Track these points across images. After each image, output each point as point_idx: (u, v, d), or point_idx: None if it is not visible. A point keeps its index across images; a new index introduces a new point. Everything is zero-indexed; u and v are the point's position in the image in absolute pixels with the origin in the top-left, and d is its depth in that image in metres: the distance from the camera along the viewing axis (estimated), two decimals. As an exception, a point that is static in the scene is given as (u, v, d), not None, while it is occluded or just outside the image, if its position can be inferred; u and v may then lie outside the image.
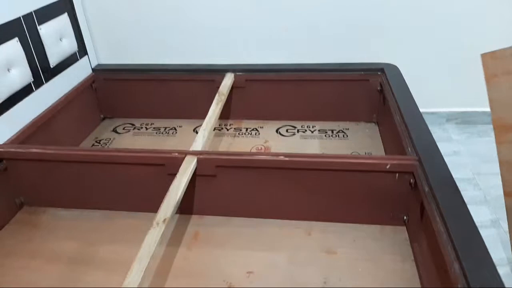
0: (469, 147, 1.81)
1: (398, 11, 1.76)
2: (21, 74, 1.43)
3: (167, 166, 1.25)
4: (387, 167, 1.17)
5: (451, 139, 1.87)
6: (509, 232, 1.24)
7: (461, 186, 1.59)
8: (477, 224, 1.39)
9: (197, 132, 1.42)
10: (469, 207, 1.49)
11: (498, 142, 1.26)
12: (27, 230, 1.33)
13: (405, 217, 1.25)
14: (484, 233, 1.37)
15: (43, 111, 1.56)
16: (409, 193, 1.20)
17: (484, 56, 1.22)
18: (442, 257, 0.89)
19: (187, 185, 1.16)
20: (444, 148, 1.74)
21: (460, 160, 1.73)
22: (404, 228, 1.27)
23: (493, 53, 1.22)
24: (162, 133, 1.84)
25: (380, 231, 1.27)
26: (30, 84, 1.49)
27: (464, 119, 1.99)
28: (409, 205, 1.22)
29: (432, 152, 1.18)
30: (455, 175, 1.64)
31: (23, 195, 1.41)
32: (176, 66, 1.87)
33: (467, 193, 1.56)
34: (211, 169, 1.26)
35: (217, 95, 1.64)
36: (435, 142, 1.22)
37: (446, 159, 1.60)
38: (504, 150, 1.27)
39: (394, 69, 1.70)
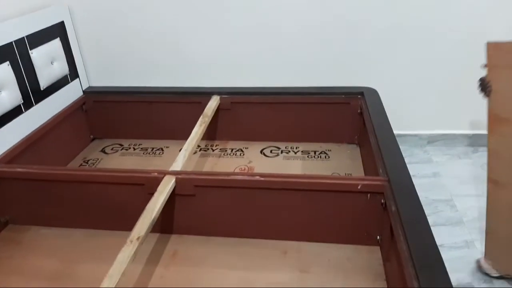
0: (448, 168, 1.85)
1: (381, 36, 1.83)
2: (10, 96, 1.49)
3: (147, 185, 1.29)
4: (359, 187, 1.21)
5: (431, 161, 1.91)
6: (486, 220, 1.24)
7: (438, 207, 1.64)
8: (451, 244, 1.43)
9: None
10: (445, 227, 1.53)
11: (490, 132, 1.30)
12: (9, 247, 1.36)
13: (378, 237, 1.28)
14: (458, 253, 1.41)
15: (32, 132, 1.60)
16: (381, 213, 1.23)
17: (489, 45, 1.26)
18: (404, 275, 0.92)
19: (163, 204, 1.20)
20: (424, 169, 1.79)
21: (439, 182, 1.76)
22: (378, 248, 1.29)
23: (498, 44, 1.26)
24: (149, 153, 1.88)
25: (354, 251, 1.29)
26: (20, 105, 1.55)
27: (445, 142, 2.03)
28: (381, 225, 1.24)
29: (401, 173, 1.21)
30: (434, 196, 1.69)
31: (9, 214, 1.45)
32: (164, 88, 1.93)
33: (444, 214, 1.58)
34: (190, 188, 1.29)
35: (201, 117, 1.69)
36: (405, 164, 1.25)
37: (425, 180, 1.65)
38: (494, 140, 1.30)
39: (373, 93, 1.75)
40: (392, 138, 1.40)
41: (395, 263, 1.08)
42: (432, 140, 2.04)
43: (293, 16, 1.81)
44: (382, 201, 1.20)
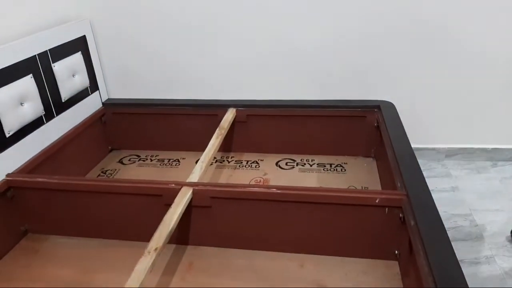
0: (467, 183, 1.82)
1: (397, 48, 1.83)
2: (33, 108, 1.52)
3: (164, 196, 1.30)
4: (376, 201, 1.20)
5: (450, 175, 1.88)
6: None
7: (458, 222, 1.61)
8: (471, 260, 1.40)
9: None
10: (465, 243, 1.50)
11: None
12: (28, 256, 1.38)
13: (396, 252, 1.26)
14: (478, 269, 1.38)
15: (53, 142, 1.64)
16: (399, 227, 1.21)
17: None
18: (424, 291, 0.90)
19: (181, 215, 1.21)
20: (443, 183, 1.76)
21: (458, 196, 1.73)
22: (396, 262, 1.27)
23: None
24: (165, 164, 1.90)
25: (372, 265, 1.28)
26: (41, 117, 1.58)
27: (464, 156, 2.00)
28: (399, 239, 1.23)
29: (420, 187, 1.20)
30: (453, 211, 1.66)
31: (28, 223, 1.47)
32: (181, 101, 1.95)
33: (464, 229, 1.55)
34: (206, 200, 1.30)
35: (217, 129, 1.70)
36: (424, 178, 1.24)
37: (444, 195, 1.62)
38: None
39: (390, 106, 1.75)
40: (410, 152, 1.39)
41: (414, 278, 1.06)
42: (450, 154, 2.01)
43: (308, 29, 1.82)
44: (400, 215, 1.19)
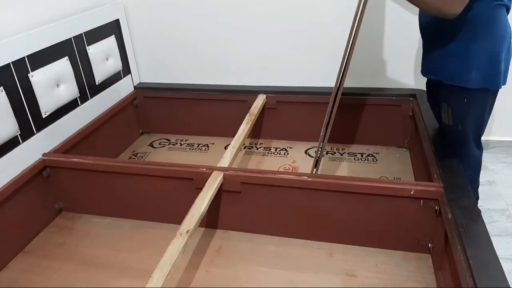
0: (505, 177, 1.74)
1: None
2: (68, 90, 1.55)
3: (195, 180, 1.31)
4: (412, 192, 1.17)
5: (486, 168, 1.80)
6: None
7: (494, 217, 1.55)
8: (507, 256, 1.35)
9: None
10: (501, 238, 1.45)
11: None
12: (63, 234, 1.42)
13: (430, 245, 1.23)
14: (515, 266, 1.32)
15: (87, 124, 1.67)
16: (434, 220, 1.18)
17: None
18: (461, 286, 0.87)
19: (212, 199, 1.21)
20: (480, 177, 1.69)
21: (495, 190, 1.67)
22: (429, 255, 1.24)
23: None
24: (195, 149, 1.91)
25: (404, 258, 1.25)
26: (76, 99, 1.61)
27: (502, 149, 1.92)
28: (434, 232, 1.20)
29: (458, 180, 1.16)
30: (488, 205, 1.60)
31: (62, 201, 1.52)
32: (212, 86, 1.95)
33: (500, 224, 1.49)
34: (237, 185, 1.30)
35: (247, 115, 1.69)
36: (463, 171, 1.20)
37: (480, 188, 1.56)
38: None
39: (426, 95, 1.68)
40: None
41: (449, 273, 1.03)
42: (488, 146, 1.93)
43: (343, 16, 1.77)
44: (436, 207, 1.15)
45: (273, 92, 1.86)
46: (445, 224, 1.06)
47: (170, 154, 1.88)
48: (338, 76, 1.31)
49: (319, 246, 1.31)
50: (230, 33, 1.89)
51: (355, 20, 1.21)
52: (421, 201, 1.18)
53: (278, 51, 1.87)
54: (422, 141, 1.43)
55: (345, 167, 1.71)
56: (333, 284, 1.17)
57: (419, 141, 1.50)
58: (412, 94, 1.71)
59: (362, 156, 1.77)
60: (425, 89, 1.45)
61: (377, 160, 1.74)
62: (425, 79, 1.78)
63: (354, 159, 1.76)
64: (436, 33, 1.21)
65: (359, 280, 1.18)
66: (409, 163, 1.70)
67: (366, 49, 1.82)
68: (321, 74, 1.91)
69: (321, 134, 1.42)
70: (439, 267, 1.15)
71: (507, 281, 0.83)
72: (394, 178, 1.60)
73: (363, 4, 1.15)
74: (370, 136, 1.83)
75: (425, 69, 1.30)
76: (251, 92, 1.87)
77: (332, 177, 1.27)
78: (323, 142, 1.44)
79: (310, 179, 1.25)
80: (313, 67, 1.87)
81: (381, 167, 1.70)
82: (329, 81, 1.88)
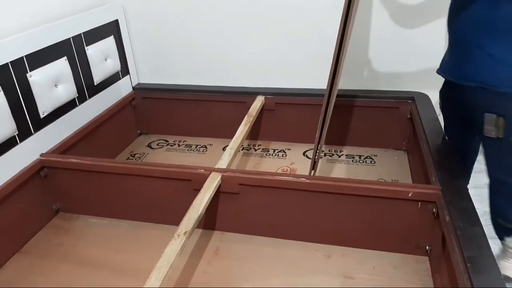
0: (503, 180, 1.75)
1: (433, 39, 1.76)
2: (67, 90, 1.55)
3: (193, 181, 1.31)
4: (409, 195, 1.17)
5: (484, 171, 1.81)
6: None
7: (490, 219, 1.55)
8: (505, 260, 1.34)
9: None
10: (498, 241, 1.44)
11: None
12: (60, 234, 1.42)
13: (427, 247, 1.23)
14: (512, 270, 1.32)
15: (85, 125, 1.67)
16: (432, 223, 1.18)
17: None
18: (458, 289, 0.88)
19: (210, 200, 1.21)
20: (477, 179, 1.69)
21: (493, 193, 1.68)
22: (427, 258, 1.25)
23: None
24: (193, 150, 1.91)
25: (401, 260, 1.25)
26: (74, 99, 1.61)
27: (499, 152, 1.93)
28: (431, 235, 1.20)
29: (456, 183, 1.16)
30: (486, 208, 1.60)
31: (60, 202, 1.51)
32: (210, 87, 1.95)
33: (497, 227, 1.50)
34: (235, 186, 1.30)
35: (246, 116, 1.70)
36: (461, 174, 1.20)
37: (479, 191, 1.56)
38: None
39: (425, 98, 1.69)
40: (445, 146, 1.34)
41: (446, 275, 1.04)
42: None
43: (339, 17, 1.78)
44: (434, 210, 1.16)
45: (271, 94, 1.86)
46: (442, 227, 1.06)
47: (168, 155, 1.88)
48: (329, 76, 1.29)
49: (317, 248, 1.31)
50: (229, 34, 1.89)
51: (347, 17, 1.12)
52: (419, 203, 1.18)
53: (277, 53, 1.87)
54: (420, 143, 1.43)
55: (343, 169, 1.71)
56: (331, 285, 1.17)
57: (417, 144, 1.51)
58: (410, 97, 1.71)
59: (360, 158, 1.78)
60: (438, 95, 1.34)
61: (375, 162, 1.75)
62: (425, 82, 1.77)
63: (352, 161, 1.76)
64: (480, 30, 1.03)
65: (357, 282, 1.18)
66: (407, 166, 1.70)
67: (363, 51, 1.82)
68: (320, 76, 1.91)
69: (316, 135, 1.42)
70: (437, 269, 1.15)
71: (504, 283, 0.84)
72: (392, 181, 1.60)
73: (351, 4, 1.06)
74: (368, 138, 1.83)
75: (457, 74, 1.12)
76: (249, 94, 1.87)
77: (330, 179, 1.27)
78: (318, 143, 1.43)
79: (308, 181, 1.25)
80: (312, 68, 1.87)
81: (379, 169, 1.70)
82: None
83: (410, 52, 1.77)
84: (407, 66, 1.83)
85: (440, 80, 1.79)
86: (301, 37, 1.83)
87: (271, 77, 1.92)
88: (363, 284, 1.17)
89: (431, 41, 1.76)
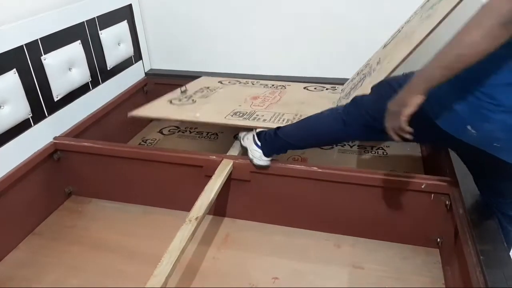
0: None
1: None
2: (80, 74, 1.55)
3: (205, 168, 1.31)
4: (422, 186, 1.16)
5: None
6: None
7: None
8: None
9: (237, 138, 1.47)
10: (511, 236, 1.43)
11: None
12: (72, 217, 1.43)
13: (438, 239, 1.22)
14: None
15: (98, 109, 1.67)
16: (444, 215, 1.17)
17: None
18: (471, 283, 0.87)
19: (221, 186, 1.21)
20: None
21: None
22: (437, 250, 1.24)
23: None
24: (204, 137, 1.91)
25: (412, 251, 1.25)
26: (88, 83, 1.62)
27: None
28: (443, 227, 1.19)
29: (469, 175, 1.14)
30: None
31: (72, 185, 1.53)
32: (222, 74, 1.94)
33: (510, 222, 1.49)
34: (246, 174, 1.30)
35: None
36: (475, 165, 1.18)
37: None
38: None
39: (440, 89, 1.66)
40: (460, 137, 1.32)
41: (457, 267, 1.03)
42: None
43: (358, 4, 1.75)
44: (447, 202, 1.14)
45: (282, 80, 1.84)
46: (455, 219, 1.05)
47: (180, 141, 1.88)
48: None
49: (327, 237, 1.31)
50: (245, 20, 1.87)
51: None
52: (432, 195, 1.17)
53: (290, 41, 1.85)
54: (434, 135, 1.41)
55: (355, 159, 1.70)
56: (340, 275, 1.17)
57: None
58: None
59: (372, 149, 1.76)
60: None
61: (387, 153, 1.73)
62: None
63: (364, 151, 1.75)
64: None
65: (366, 272, 1.18)
66: (420, 157, 1.68)
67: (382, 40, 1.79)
68: (334, 64, 1.89)
69: None
70: (448, 262, 1.14)
71: (517, 277, 0.83)
72: (404, 172, 1.58)
73: None
74: (381, 129, 1.81)
75: None
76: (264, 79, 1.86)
77: (341, 168, 1.26)
78: None
79: (320, 170, 1.24)
80: (326, 57, 1.85)
81: (391, 160, 1.68)
82: (341, 71, 1.86)
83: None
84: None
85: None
86: (313, 21, 1.80)
87: (282, 65, 1.90)
88: (372, 275, 1.17)
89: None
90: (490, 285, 0.82)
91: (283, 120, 1.37)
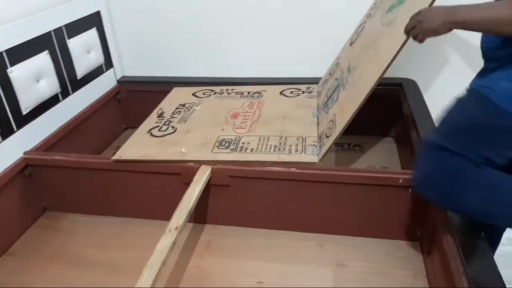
0: (490, 164, 1.78)
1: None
2: (49, 85, 1.51)
3: (183, 175, 1.29)
4: (400, 181, 1.17)
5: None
6: None
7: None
8: (502, 241, 1.37)
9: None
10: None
11: None
12: (48, 234, 1.39)
13: (418, 232, 1.24)
14: (509, 250, 1.34)
15: (69, 120, 1.63)
16: (422, 208, 1.19)
17: None
18: (451, 272, 0.88)
19: (200, 194, 1.19)
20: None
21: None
22: (418, 243, 1.25)
23: None
24: (181, 143, 1.88)
25: (393, 246, 1.26)
26: (57, 94, 1.57)
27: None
28: (422, 220, 1.21)
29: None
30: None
31: (46, 201, 1.48)
32: (197, 79, 1.93)
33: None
34: (225, 179, 1.28)
35: (234, 107, 1.68)
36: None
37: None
38: None
39: (413, 84, 1.70)
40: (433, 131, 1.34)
41: (438, 259, 1.04)
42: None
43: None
44: (425, 195, 1.16)
45: (260, 84, 1.84)
46: (433, 212, 1.06)
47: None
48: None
49: (310, 238, 1.30)
50: (221, 23, 1.85)
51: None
52: (410, 189, 1.18)
53: (277, 42, 1.84)
54: (409, 130, 1.44)
55: (332, 157, 1.71)
56: (324, 274, 1.17)
57: (406, 131, 1.51)
58: (398, 84, 1.71)
59: (349, 146, 1.78)
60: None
61: (364, 149, 1.75)
62: (411, 68, 1.77)
63: (341, 149, 1.76)
64: None
65: (350, 269, 1.19)
66: (396, 152, 1.70)
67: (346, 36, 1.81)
68: (306, 64, 1.89)
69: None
70: (428, 254, 1.16)
71: (496, 266, 0.84)
72: (382, 168, 1.60)
73: None
74: (356, 125, 1.81)
75: None
76: (238, 84, 1.85)
77: (320, 168, 1.26)
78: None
79: (298, 170, 1.24)
80: (300, 57, 1.86)
81: (368, 156, 1.70)
82: (313, 70, 1.87)
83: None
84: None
85: (427, 66, 1.78)
86: (294, 25, 1.80)
87: (256, 67, 1.90)
88: (356, 271, 1.17)
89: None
90: (470, 274, 0.83)
91: (270, 148, 1.34)
